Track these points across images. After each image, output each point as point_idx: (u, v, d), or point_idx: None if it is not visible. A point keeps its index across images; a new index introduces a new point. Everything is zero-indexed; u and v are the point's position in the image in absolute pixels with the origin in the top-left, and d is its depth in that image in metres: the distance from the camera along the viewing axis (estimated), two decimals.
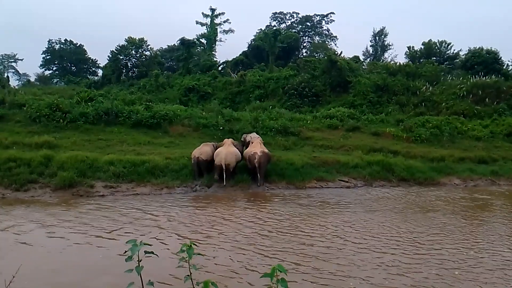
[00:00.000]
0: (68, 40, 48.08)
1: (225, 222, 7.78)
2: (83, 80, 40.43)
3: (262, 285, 2.26)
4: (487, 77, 23.60)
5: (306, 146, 15.62)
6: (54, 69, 48.42)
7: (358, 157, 13.75)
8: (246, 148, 12.46)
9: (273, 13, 49.95)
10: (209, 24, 41.89)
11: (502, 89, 21.84)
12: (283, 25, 48.79)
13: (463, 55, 31.96)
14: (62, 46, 47.87)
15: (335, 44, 47.85)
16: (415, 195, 11.11)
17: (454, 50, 35.62)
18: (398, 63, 29.22)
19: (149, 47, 39.69)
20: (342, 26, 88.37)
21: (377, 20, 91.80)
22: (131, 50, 38.56)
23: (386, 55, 42.72)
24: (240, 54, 40.21)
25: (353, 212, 8.89)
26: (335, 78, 25.08)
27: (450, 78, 26.60)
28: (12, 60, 50.44)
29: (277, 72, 29.80)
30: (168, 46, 46.72)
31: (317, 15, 48.84)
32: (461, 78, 24.86)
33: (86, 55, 48.92)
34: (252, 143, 12.22)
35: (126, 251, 2.11)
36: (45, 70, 48.29)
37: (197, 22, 41.87)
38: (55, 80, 46.80)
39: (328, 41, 48.09)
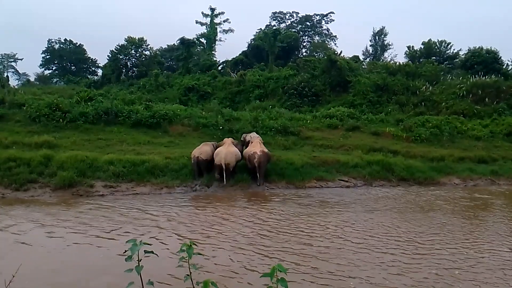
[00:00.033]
0: (68, 39, 48.10)
1: (225, 222, 7.77)
2: (82, 80, 40.42)
3: (262, 284, 2.25)
4: (487, 76, 23.62)
5: (306, 145, 15.62)
6: (53, 68, 48.40)
7: (358, 157, 13.75)
8: (246, 148, 12.46)
9: (272, 12, 50.09)
10: (209, 23, 41.89)
11: (502, 89, 21.86)
12: (282, 25, 48.82)
13: (463, 54, 32.01)
14: (62, 45, 47.83)
15: (335, 44, 47.96)
16: (415, 195, 11.11)
17: (454, 49, 35.68)
18: (398, 63, 29.24)
19: (148, 46, 39.78)
20: (342, 26, 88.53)
21: (377, 20, 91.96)
22: (131, 50, 38.55)
23: (386, 54, 42.73)
24: (239, 54, 40.20)
25: (353, 211, 8.89)
26: (335, 78, 25.08)
27: (450, 77, 26.61)
28: (12, 60, 50.53)
29: (276, 72, 29.79)
30: (168, 45, 46.76)
31: (317, 15, 48.92)
32: (461, 78, 24.89)
33: (86, 55, 48.89)
34: (252, 142, 12.22)
35: (126, 251, 2.10)
36: (45, 69, 48.32)
37: (196, 22, 41.95)
38: (54, 80, 46.78)
39: (328, 41, 48.12)
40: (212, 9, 41.86)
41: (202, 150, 11.70)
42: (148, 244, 2.15)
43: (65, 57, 47.46)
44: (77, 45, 48.17)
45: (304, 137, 16.42)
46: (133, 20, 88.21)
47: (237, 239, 6.66)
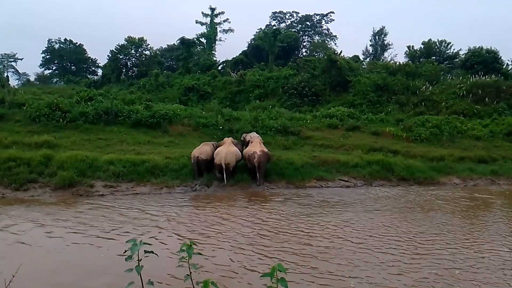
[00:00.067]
0: (68, 39, 48.07)
1: (225, 221, 7.77)
2: (82, 80, 40.40)
3: (262, 284, 2.25)
4: (487, 76, 23.60)
5: (306, 145, 15.62)
6: (53, 68, 48.39)
7: (358, 157, 13.75)
8: (245, 148, 12.45)
9: (272, 12, 50.05)
10: (209, 23, 41.85)
11: (502, 89, 21.84)
12: (283, 25, 48.80)
13: (463, 54, 31.92)
14: (61, 45, 47.81)
15: (335, 44, 47.92)
16: (415, 195, 11.11)
17: (454, 49, 35.60)
18: (398, 63, 29.20)
19: (148, 46, 39.75)
20: (342, 26, 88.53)
21: (377, 20, 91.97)
22: (131, 50, 38.54)
23: (386, 54, 42.68)
24: (240, 54, 40.16)
25: (353, 211, 8.89)
26: (335, 78, 25.07)
27: (450, 77, 26.63)
28: (12, 60, 50.49)
29: (277, 72, 29.77)
30: (168, 45, 46.75)
31: (317, 15, 48.90)
32: (460, 78, 24.87)
33: (86, 55, 48.88)
34: (252, 142, 12.21)
35: (125, 251, 2.10)
36: (45, 69, 48.30)
37: (196, 22, 41.89)
38: (54, 80, 46.77)
39: (328, 41, 48.08)
40: (212, 9, 41.86)
41: (202, 150, 11.70)
42: (148, 244, 2.15)
43: (65, 57, 47.45)
44: (77, 45, 48.16)
45: (304, 137, 16.42)
46: (133, 20, 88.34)
47: (237, 239, 6.66)
